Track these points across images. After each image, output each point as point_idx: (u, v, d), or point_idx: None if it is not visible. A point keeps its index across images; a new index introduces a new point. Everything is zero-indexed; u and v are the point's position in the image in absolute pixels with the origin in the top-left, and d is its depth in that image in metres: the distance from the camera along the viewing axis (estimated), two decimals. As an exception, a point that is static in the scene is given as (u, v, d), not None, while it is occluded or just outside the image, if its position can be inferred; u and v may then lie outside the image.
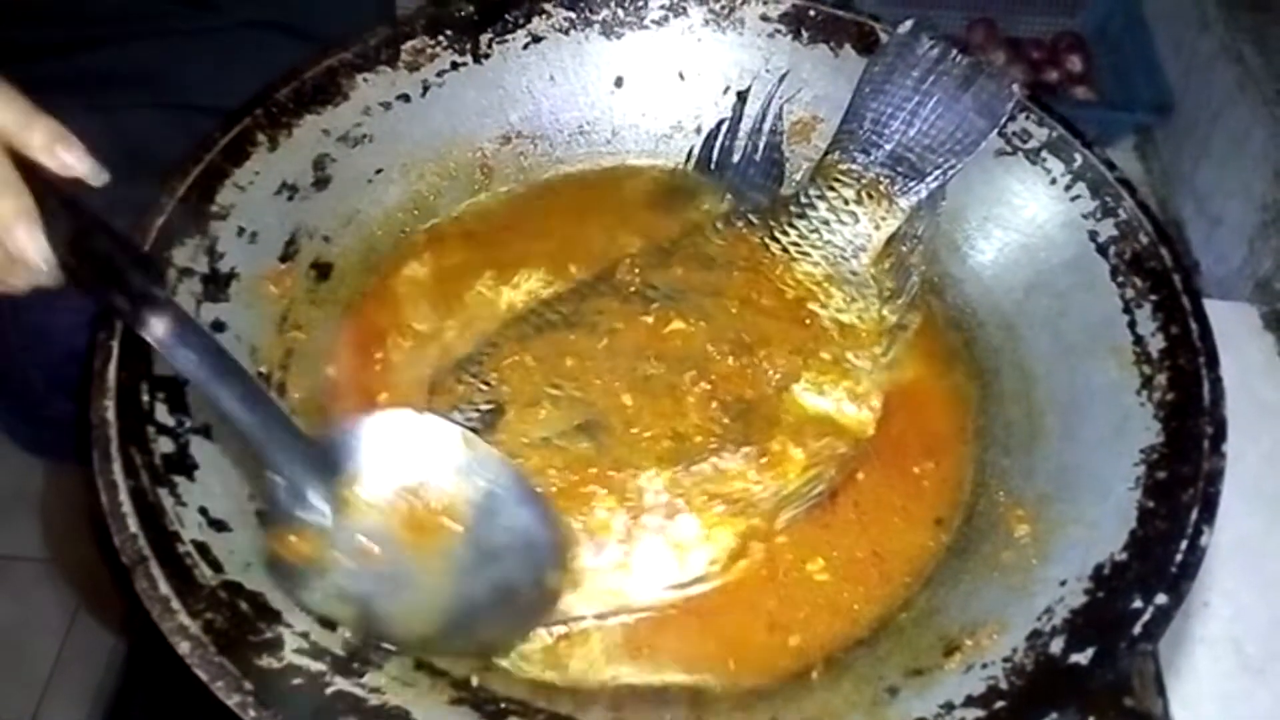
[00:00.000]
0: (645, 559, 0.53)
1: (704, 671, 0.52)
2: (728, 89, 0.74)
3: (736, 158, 0.72)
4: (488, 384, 0.58)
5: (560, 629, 0.53)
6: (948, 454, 0.60)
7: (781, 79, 0.72)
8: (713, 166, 0.73)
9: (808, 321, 0.63)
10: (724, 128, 0.73)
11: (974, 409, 0.62)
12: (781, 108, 0.72)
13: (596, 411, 0.56)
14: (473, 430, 0.54)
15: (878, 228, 0.66)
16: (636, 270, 0.64)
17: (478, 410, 0.56)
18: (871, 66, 0.69)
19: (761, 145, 0.72)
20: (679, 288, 0.63)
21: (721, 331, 0.60)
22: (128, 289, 0.47)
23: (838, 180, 0.67)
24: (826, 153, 0.69)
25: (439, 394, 0.59)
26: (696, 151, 0.74)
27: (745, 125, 0.73)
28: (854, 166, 0.67)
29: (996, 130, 0.66)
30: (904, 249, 0.66)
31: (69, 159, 0.49)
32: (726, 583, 0.55)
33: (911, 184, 0.66)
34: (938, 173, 0.66)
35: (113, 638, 1.35)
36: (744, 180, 0.72)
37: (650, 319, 0.61)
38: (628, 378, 0.58)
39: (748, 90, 0.73)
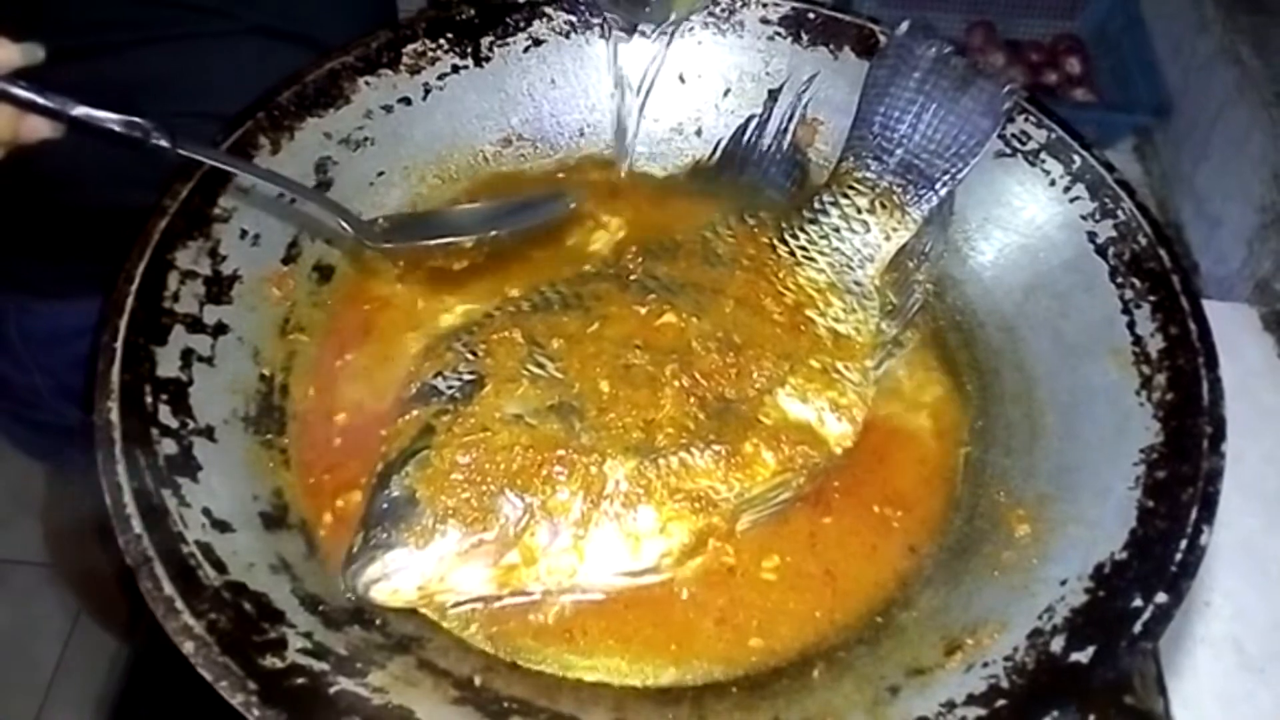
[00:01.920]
0: (598, 544, 0.53)
1: (642, 654, 0.53)
2: (728, 91, 0.74)
3: (759, 156, 0.73)
4: (474, 354, 0.58)
5: (505, 602, 0.54)
6: (928, 492, 0.60)
7: (810, 80, 0.72)
8: (736, 163, 0.73)
9: (803, 327, 0.63)
10: (752, 124, 0.73)
11: (965, 437, 0.62)
12: (806, 110, 0.73)
13: (572, 394, 0.56)
14: (450, 400, 0.55)
15: (888, 238, 0.66)
16: (640, 259, 0.64)
17: (459, 379, 0.57)
18: (875, 70, 0.69)
19: (785, 146, 0.73)
20: (679, 281, 0.63)
21: (712, 329, 0.60)
22: None
23: (852, 188, 0.67)
24: (840, 159, 0.69)
25: (429, 358, 0.60)
26: (723, 145, 0.74)
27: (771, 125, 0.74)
28: (868, 174, 0.67)
29: (998, 131, 0.66)
30: (910, 265, 0.66)
31: (4, 57, 0.52)
32: (678, 575, 0.55)
33: (923, 193, 0.66)
34: (946, 178, 0.66)
35: (114, 642, 1.35)
36: (765, 178, 0.72)
37: (643, 309, 0.61)
38: (610, 365, 0.58)
39: (779, 89, 0.73)
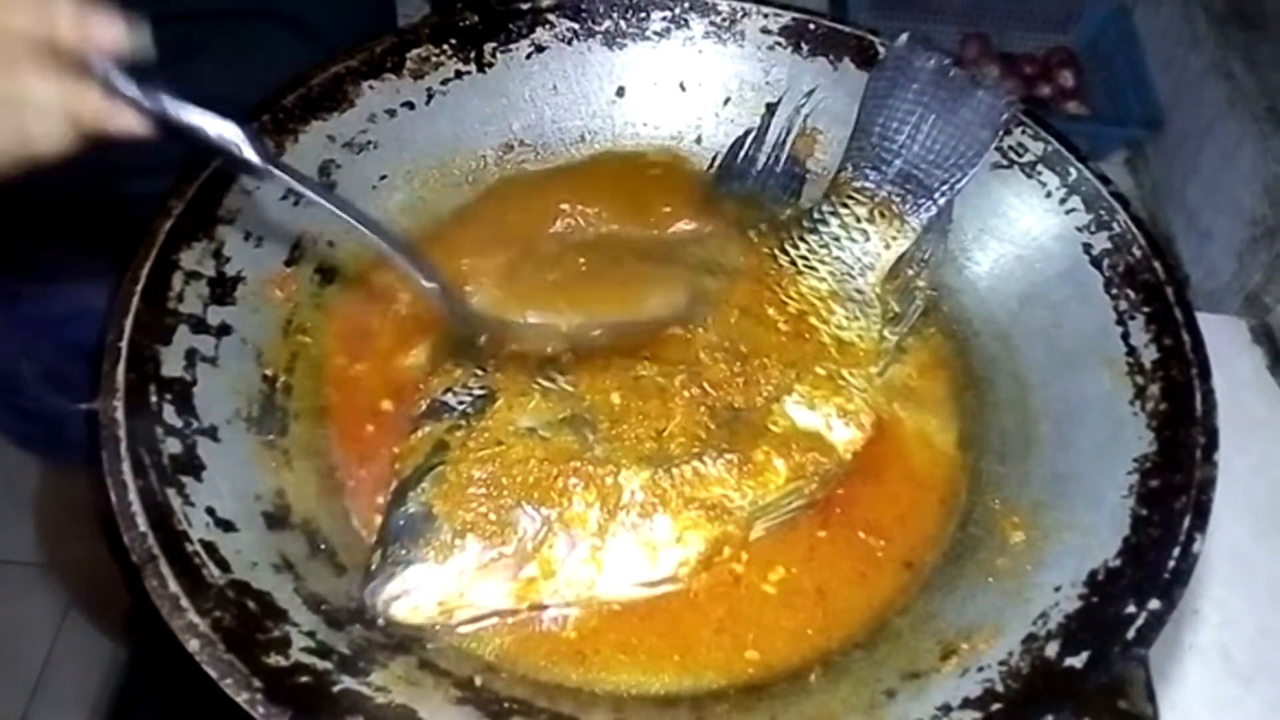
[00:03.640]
0: (617, 555, 0.54)
1: (649, 664, 0.53)
2: (728, 100, 0.75)
3: (758, 168, 0.73)
4: (483, 369, 0.58)
5: (521, 617, 0.54)
6: (921, 510, 0.60)
7: (809, 95, 0.73)
8: (734, 174, 0.74)
9: (807, 336, 0.63)
10: (750, 137, 0.74)
11: (960, 451, 0.63)
12: (805, 122, 0.73)
13: (584, 407, 0.57)
14: (463, 415, 0.56)
15: (888, 247, 0.67)
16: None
17: (470, 394, 0.57)
18: (874, 81, 0.70)
19: (783, 158, 0.73)
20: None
21: (719, 339, 0.61)
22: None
23: (851, 198, 0.68)
24: (839, 169, 0.70)
25: (438, 375, 0.60)
26: (720, 158, 0.74)
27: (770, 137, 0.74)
28: (867, 184, 0.68)
29: (996, 142, 0.67)
30: (910, 271, 0.67)
31: (106, 36, 0.46)
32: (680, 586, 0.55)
33: (921, 202, 0.67)
34: (945, 188, 0.67)
35: (103, 641, 1.35)
36: (763, 190, 0.73)
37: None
38: (619, 377, 0.58)
39: (778, 102, 0.74)
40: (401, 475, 0.55)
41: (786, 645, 0.54)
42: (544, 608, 0.54)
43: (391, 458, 0.57)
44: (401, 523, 0.52)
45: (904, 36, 0.69)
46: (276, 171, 0.51)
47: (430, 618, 0.52)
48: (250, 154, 0.49)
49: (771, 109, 0.74)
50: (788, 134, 0.73)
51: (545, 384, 0.57)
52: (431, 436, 0.55)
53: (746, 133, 0.74)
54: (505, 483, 0.53)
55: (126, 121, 0.48)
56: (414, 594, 0.51)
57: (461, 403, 0.57)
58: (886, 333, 0.65)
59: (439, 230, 0.69)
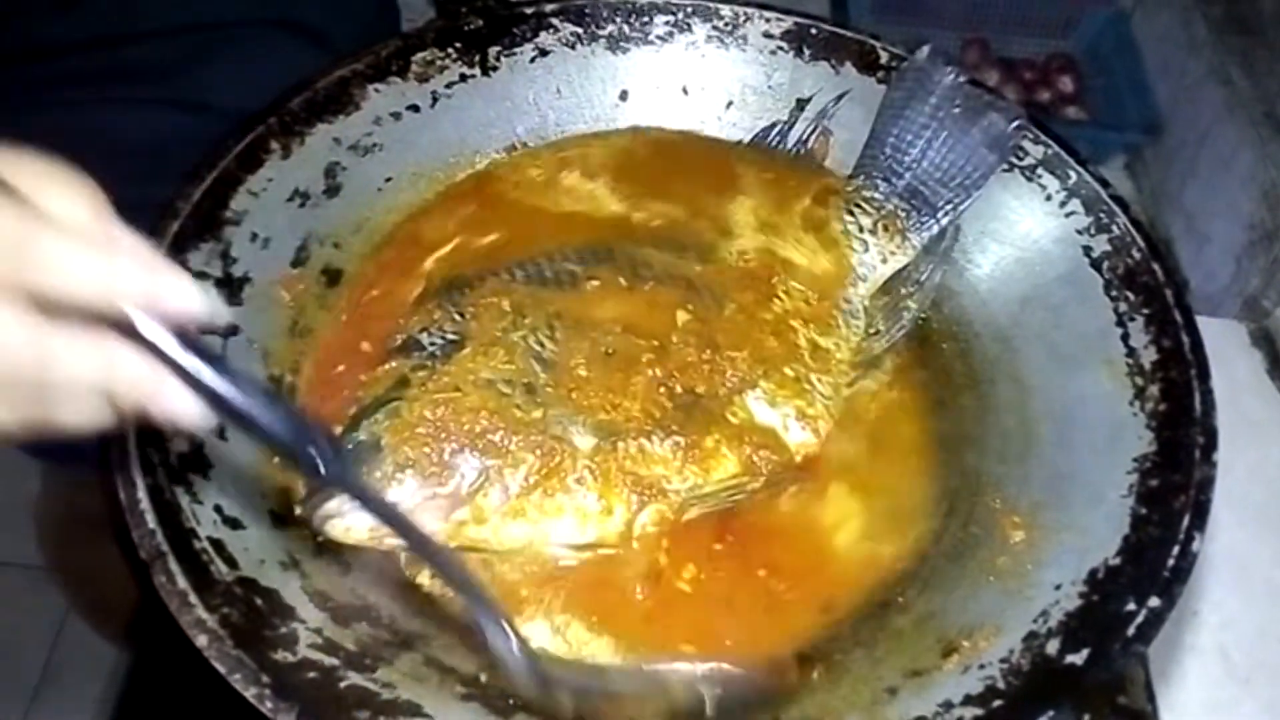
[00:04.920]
0: (548, 514, 0.55)
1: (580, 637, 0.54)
2: (730, 104, 0.75)
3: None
4: (461, 315, 0.59)
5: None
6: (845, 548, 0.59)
7: (840, 97, 0.73)
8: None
9: (784, 335, 0.63)
10: (776, 129, 0.74)
11: (953, 438, 0.63)
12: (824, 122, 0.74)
13: (546, 368, 0.57)
14: (430, 356, 0.57)
15: (885, 261, 0.67)
16: (640, 247, 0.65)
17: (443, 337, 0.58)
18: (892, 91, 0.70)
19: (803, 154, 0.73)
20: (674, 274, 0.64)
21: (697, 324, 0.61)
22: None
23: (858, 206, 0.68)
24: (851, 176, 0.70)
25: (418, 312, 0.61)
26: (745, 143, 0.75)
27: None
28: (876, 195, 0.68)
29: (1003, 165, 0.67)
30: (903, 291, 0.67)
31: (176, 298, 0.37)
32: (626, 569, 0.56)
33: (925, 220, 0.67)
34: (948, 208, 0.67)
35: (104, 645, 1.35)
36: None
37: (632, 296, 0.62)
38: (589, 344, 0.59)
39: (809, 99, 0.74)
40: (362, 403, 0.56)
41: (713, 650, 0.54)
42: (480, 551, 0.55)
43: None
44: (351, 448, 0.54)
45: (925, 49, 0.70)
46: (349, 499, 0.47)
47: (361, 540, 0.52)
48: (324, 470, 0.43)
49: (802, 104, 0.74)
50: (811, 134, 0.74)
51: (514, 340, 0.58)
52: (396, 371, 0.56)
53: (773, 125, 0.75)
54: (453, 428, 0.54)
55: (176, 406, 0.38)
56: (347, 516, 0.51)
57: (433, 343, 0.58)
58: (865, 345, 0.65)
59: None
